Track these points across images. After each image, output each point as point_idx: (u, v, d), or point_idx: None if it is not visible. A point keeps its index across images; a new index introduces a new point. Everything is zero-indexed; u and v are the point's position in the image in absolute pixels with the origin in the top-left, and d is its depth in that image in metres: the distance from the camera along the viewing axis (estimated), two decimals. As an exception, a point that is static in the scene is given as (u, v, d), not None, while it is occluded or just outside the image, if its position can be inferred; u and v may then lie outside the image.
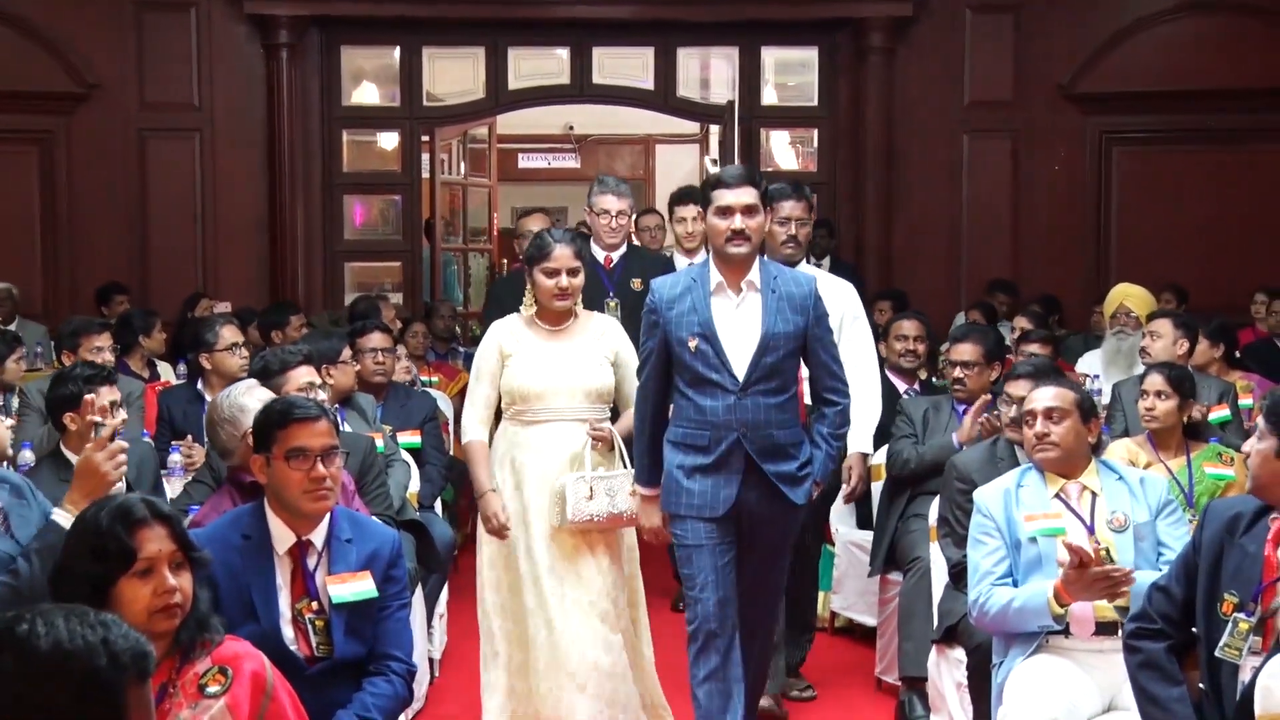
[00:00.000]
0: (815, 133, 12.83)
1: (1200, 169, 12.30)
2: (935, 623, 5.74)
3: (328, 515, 4.21)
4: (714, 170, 8.47)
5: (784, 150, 13.18)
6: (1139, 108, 12.36)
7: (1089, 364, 9.03)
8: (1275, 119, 12.11)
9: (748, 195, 5.35)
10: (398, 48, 12.68)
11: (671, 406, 5.45)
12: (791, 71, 13.25)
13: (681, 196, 8.61)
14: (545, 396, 5.71)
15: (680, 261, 8.01)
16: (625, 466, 5.71)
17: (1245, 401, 7.65)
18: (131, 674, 2.39)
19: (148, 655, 2.46)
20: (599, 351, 5.83)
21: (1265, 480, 3.93)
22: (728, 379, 5.19)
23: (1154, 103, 12.28)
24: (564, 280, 5.66)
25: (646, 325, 5.38)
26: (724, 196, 5.32)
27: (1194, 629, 4.03)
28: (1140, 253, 12.03)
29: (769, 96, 13.04)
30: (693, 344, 5.20)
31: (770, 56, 12.98)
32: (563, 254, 5.66)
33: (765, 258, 5.54)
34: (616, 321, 6.09)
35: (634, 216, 8.75)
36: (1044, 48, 12.26)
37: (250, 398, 4.89)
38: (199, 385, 7.22)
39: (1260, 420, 4.04)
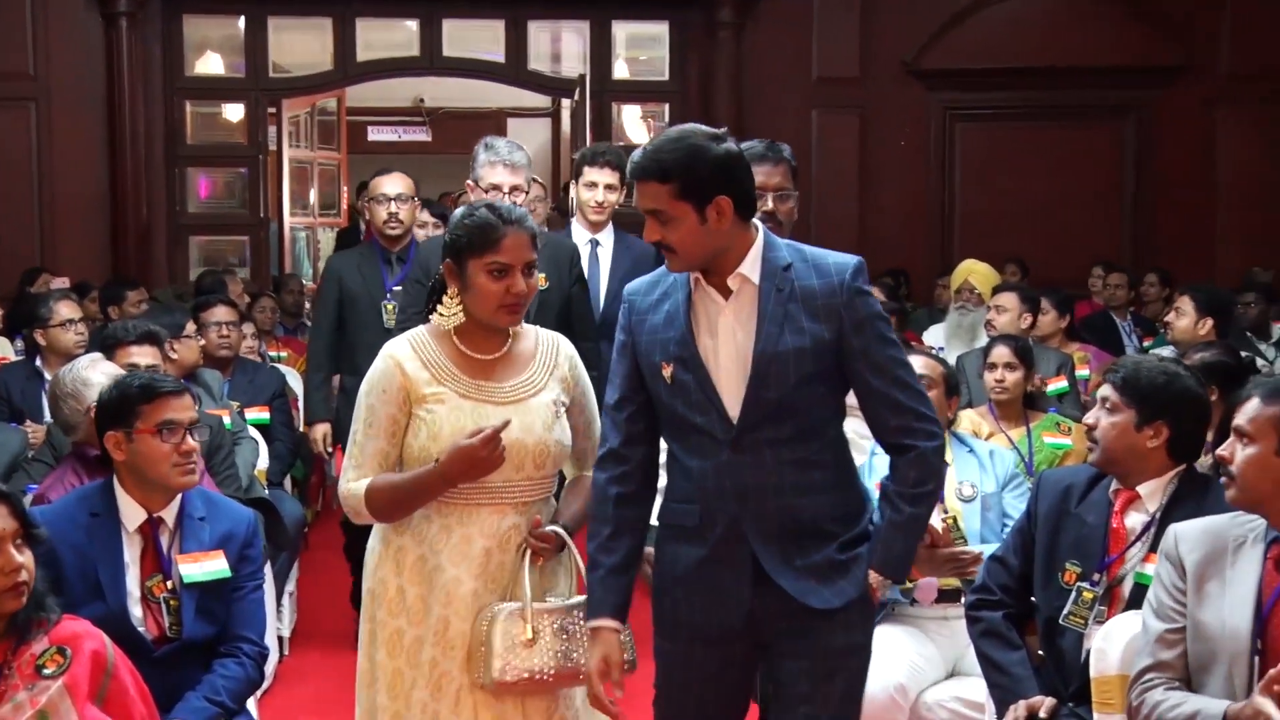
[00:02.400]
0: (666, 107, 12.86)
1: (1041, 145, 12.52)
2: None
3: (179, 493, 4.17)
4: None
5: (635, 124, 13.18)
6: (981, 84, 12.54)
7: (934, 337, 9.16)
8: (1112, 95, 12.39)
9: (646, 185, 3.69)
10: (242, 17, 12.48)
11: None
12: (642, 46, 13.27)
13: (594, 156, 6.56)
14: None
15: (581, 235, 6.56)
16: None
17: (1082, 372, 7.85)
18: None
19: None
20: (551, 390, 3.83)
21: (1118, 454, 4.02)
22: (717, 424, 3.46)
23: (996, 79, 12.48)
24: (519, 283, 3.70)
25: (616, 350, 3.70)
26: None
27: (1032, 598, 4.14)
28: (983, 227, 12.23)
29: (620, 71, 13.04)
30: (667, 372, 3.50)
31: (621, 30, 12.98)
32: (518, 242, 3.72)
33: (773, 237, 3.66)
34: (563, 338, 4.04)
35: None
36: (889, 25, 12.38)
37: (94, 372, 4.88)
38: (37, 362, 7.07)
39: (1111, 393, 4.10)
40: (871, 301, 3.53)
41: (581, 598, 3.72)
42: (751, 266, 3.48)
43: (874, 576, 3.51)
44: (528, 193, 5.80)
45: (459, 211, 3.84)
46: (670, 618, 3.64)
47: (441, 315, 3.80)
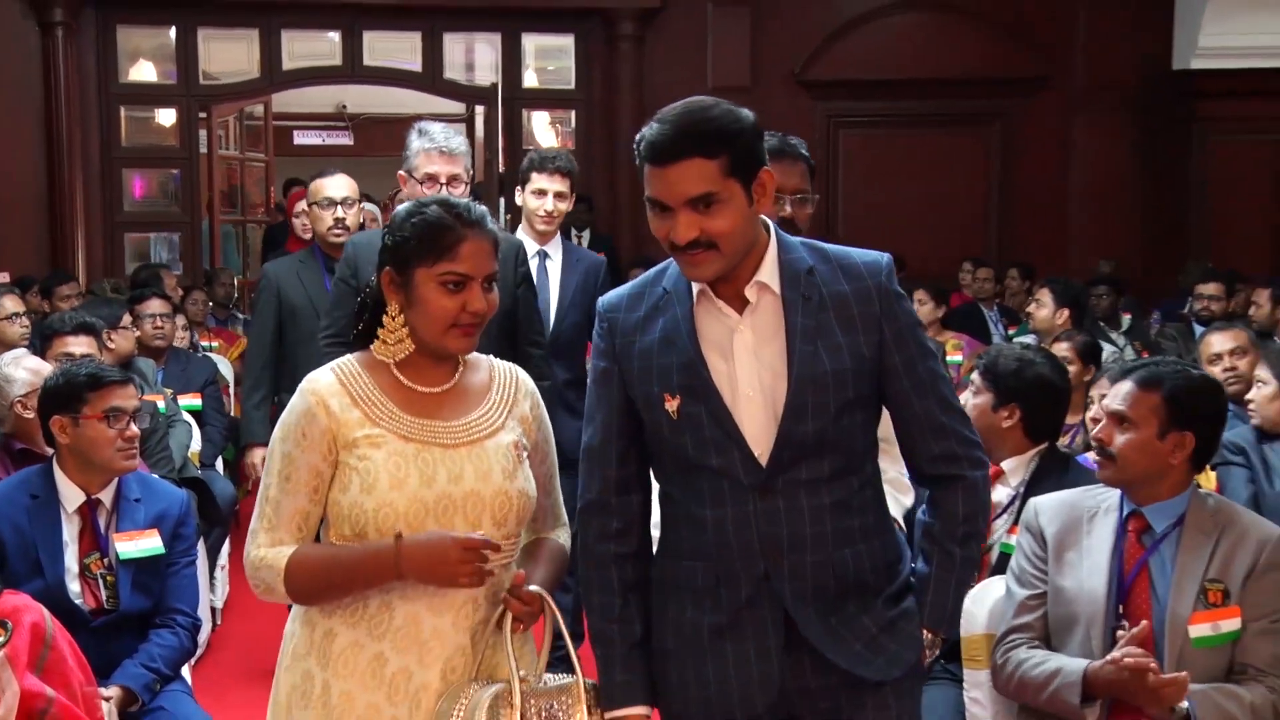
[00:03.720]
0: (573, 114, 12.86)
1: (916, 150, 12.63)
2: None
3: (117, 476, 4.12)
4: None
5: (544, 130, 13.17)
6: (862, 95, 12.60)
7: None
8: (979, 105, 12.52)
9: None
10: (173, 28, 12.34)
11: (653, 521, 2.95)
12: (550, 56, 13.27)
13: (543, 162, 5.38)
14: (425, 528, 2.80)
15: (528, 246, 5.40)
16: (572, 660, 2.89)
17: (954, 358, 7.97)
18: None
19: None
20: (510, 431, 2.95)
21: (980, 433, 4.06)
22: (739, 464, 2.69)
23: (875, 90, 12.55)
24: (478, 299, 2.83)
25: (595, 380, 2.88)
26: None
27: None
28: (864, 226, 12.26)
29: (530, 80, 13.02)
30: (672, 405, 2.71)
31: (530, 42, 12.96)
32: (478, 249, 2.84)
33: (787, 235, 2.89)
34: (521, 370, 3.12)
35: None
36: (777, 39, 12.42)
37: (17, 368, 4.83)
38: (-18, 352, 6.97)
39: (977, 377, 4.20)
40: (908, 306, 2.83)
41: (567, 677, 2.85)
42: (770, 272, 2.70)
43: (926, 635, 2.85)
44: (468, 183, 4.86)
45: (402, 208, 2.87)
46: (677, 699, 2.82)
47: (383, 344, 2.86)
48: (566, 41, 12.84)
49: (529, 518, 2.94)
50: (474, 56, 13.86)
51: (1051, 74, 12.47)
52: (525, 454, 2.91)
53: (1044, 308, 7.52)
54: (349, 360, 2.89)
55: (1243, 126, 12.08)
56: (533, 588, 2.81)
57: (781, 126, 12.96)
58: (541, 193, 5.35)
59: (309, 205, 5.91)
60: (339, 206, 5.67)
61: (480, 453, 2.84)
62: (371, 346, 2.89)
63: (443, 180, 4.68)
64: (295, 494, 2.79)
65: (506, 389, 2.97)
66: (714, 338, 2.70)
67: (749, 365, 2.68)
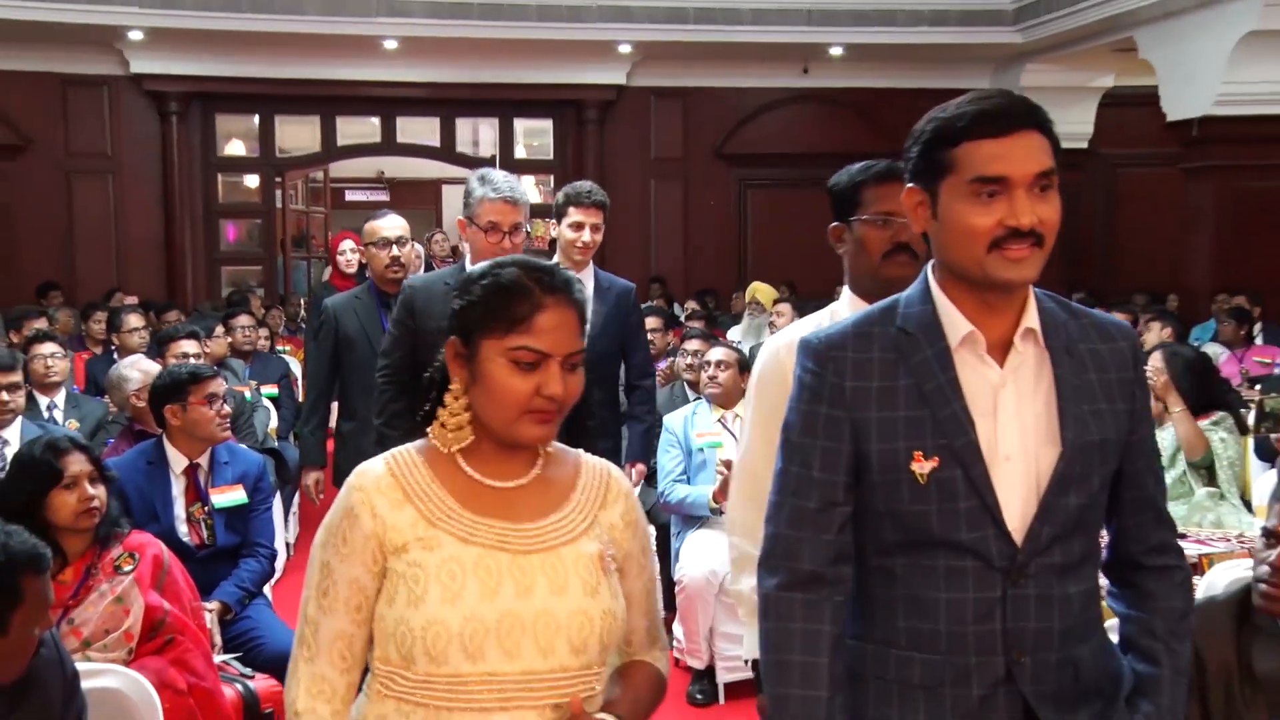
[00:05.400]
0: (552, 177, 12.86)
1: (806, 206, 12.49)
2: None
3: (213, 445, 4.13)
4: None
5: (530, 189, 13.17)
6: (764, 164, 12.60)
7: (734, 334, 9.24)
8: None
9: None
10: (257, 115, 12.33)
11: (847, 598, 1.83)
12: (534, 135, 13.28)
13: (579, 197, 4.03)
14: (485, 655, 1.68)
15: None
16: None
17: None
18: (27, 568, 2.35)
19: (42, 556, 2.41)
20: (595, 538, 1.80)
21: None
22: (991, 542, 1.73)
23: (774, 161, 12.55)
24: (555, 383, 1.71)
25: (807, 429, 1.79)
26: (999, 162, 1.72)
27: None
28: (766, 260, 12.38)
29: (520, 152, 13.03)
30: (923, 467, 1.72)
31: (520, 125, 13.00)
32: (560, 320, 1.73)
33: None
34: (614, 467, 1.91)
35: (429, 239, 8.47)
36: (703, 122, 12.46)
37: (132, 370, 4.89)
38: (114, 355, 6.96)
39: None
40: (1143, 371, 1.87)
41: None
42: (1034, 317, 1.75)
43: None
44: (530, 234, 3.98)
45: (477, 267, 1.79)
46: None
47: (441, 428, 1.78)
48: (546, 124, 12.85)
49: (616, 643, 1.79)
50: (478, 135, 13.95)
51: (899, 149, 12.43)
52: (614, 568, 1.79)
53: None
54: (407, 450, 1.80)
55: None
56: (601, 716, 1.72)
57: (705, 186, 13.12)
58: (579, 225, 4.07)
59: (365, 245, 4.92)
60: (394, 245, 4.69)
61: (556, 562, 1.73)
62: (430, 430, 1.80)
63: (505, 228, 3.62)
64: (334, 613, 1.74)
65: (595, 489, 1.83)
66: (972, 391, 1.72)
67: (1012, 427, 1.72)
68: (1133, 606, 1.88)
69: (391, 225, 4.73)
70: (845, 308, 2.42)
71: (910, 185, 1.74)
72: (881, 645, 1.78)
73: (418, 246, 7.45)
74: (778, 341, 2.48)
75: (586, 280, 4.59)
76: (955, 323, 1.73)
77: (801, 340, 1.83)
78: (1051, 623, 1.73)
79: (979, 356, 1.73)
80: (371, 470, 1.77)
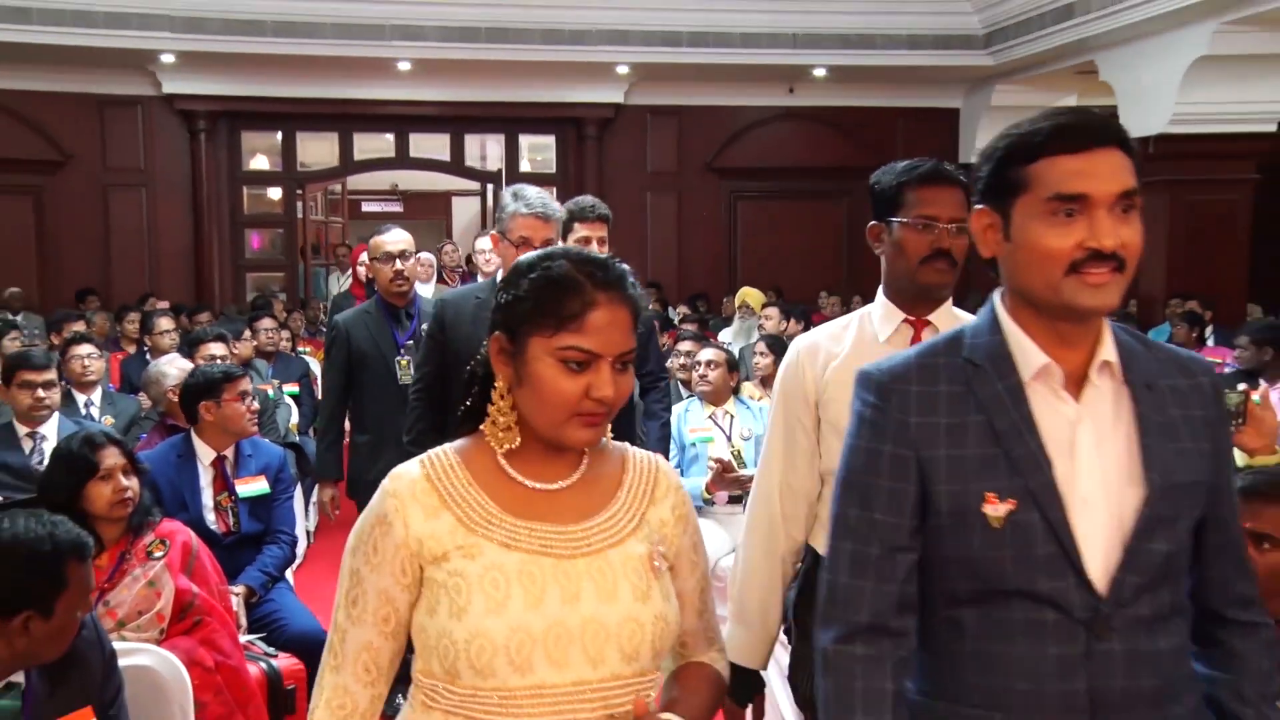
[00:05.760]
0: (554, 189, 12.80)
1: (790, 215, 12.67)
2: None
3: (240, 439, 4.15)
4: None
5: (535, 201, 13.18)
6: (753, 177, 12.58)
7: (725, 336, 9.28)
8: (830, 185, 12.47)
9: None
10: (280, 132, 12.32)
11: (903, 642, 1.53)
12: (538, 150, 13.24)
13: (583, 212, 3.63)
14: (533, 667, 1.46)
15: None
16: None
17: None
18: (71, 556, 2.36)
19: (85, 544, 2.42)
20: (645, 537, 1.57)
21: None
22: (1073, 593, 1.44)
23: (762, 174, 12.53)
24: (606, 384, 1.48)
25: (869, 467, 1.53)
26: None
27: None
28: (755, 267, 12.37)
29: (524, 166, 12.98)
30: (1000, 511, 1.44)
31: (524, 140, 12.95)
32: (613, 318, 1.49)
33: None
34: (662, 459, 1.67)
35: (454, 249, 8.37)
36: (695, 138, 12.43)
37: (170, 367, 4.87)
38: (147, 356, 6.98)
39: None
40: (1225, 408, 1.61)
41: None
42: (1111, 348, 1.51)
43: None
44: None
45: (525, 258, 1.58)
46: None
47: (493, 425, 1.56)
48: (549, 140, 12.81)
49: (669, 647, 1.57)
50: (486, 150, 13.91)
51: (878, 163, 12.40)
52: (665, 567, 1.58)
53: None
54: (444, 451, 1.58)
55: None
56: (665, 716, 1.49)
57: (698, 198, 13.15)
58: (585, 240, 3.60)
59: (370, 260, 4.65)
60: (397, 260, 4.39)
61: (604, 566, 1.52)
62: (482, 427, 1.58)
63: (537, 243, 3.24)
64: (361, 623, 1.54)
65: (643, 485, 1.62)
66: (1047, 428, 1.48)
67: (1091, 465, 1.47)
68: (1218, 667, 1.57)
69: (395, 240, 4.45)
70: (877, 309, 2.31)
71: (980, 206, 1.52)
72: (951, 704, 1.51)
73: (428, 256, 7.44)
74: (798, 345, 2.36)
75: None
76: (1028, 354, 1.49)
77: (860, 372, 1.58)
78: (1140, 681, 1.45)
79: (1053, 391, 1.48)
80: (407, 474, 1.55)
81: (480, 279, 5.55)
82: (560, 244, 3.49)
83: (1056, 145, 1.44)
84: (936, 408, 1.50)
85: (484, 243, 6.12)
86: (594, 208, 3.61)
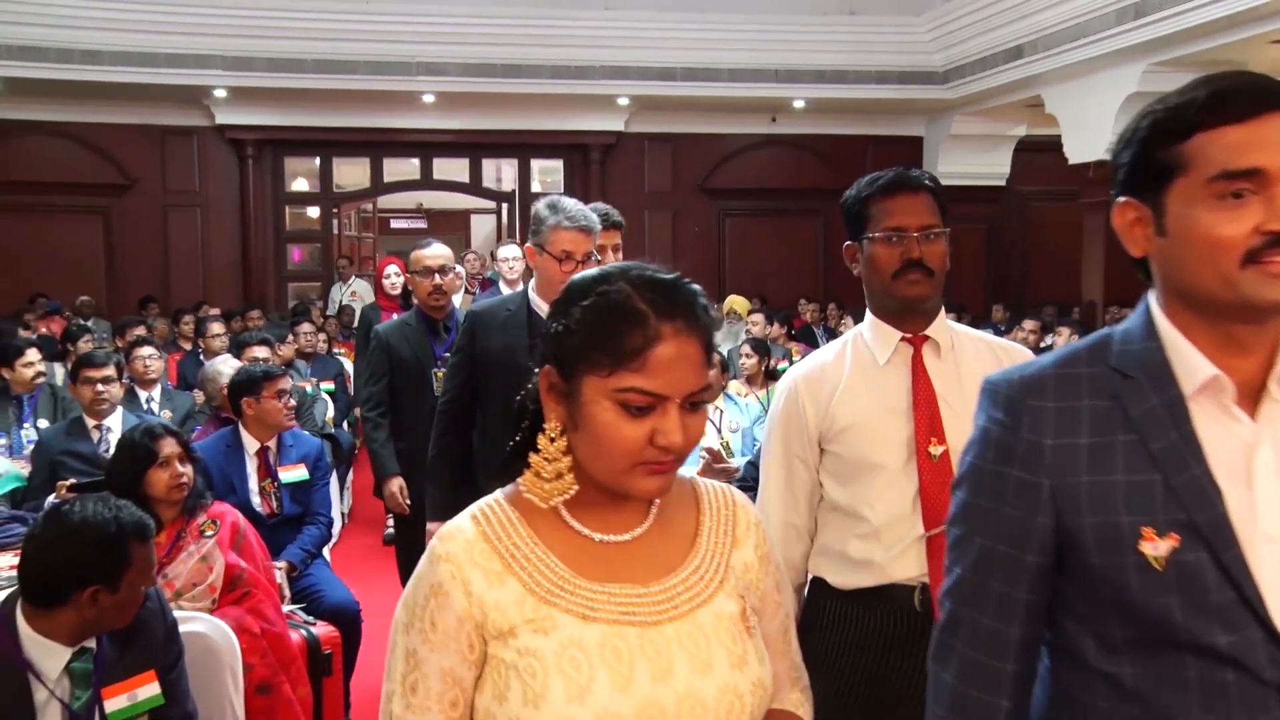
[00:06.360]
0: (562, 209, 12.85)
1: (774, 232, 12.65)
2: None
3: (280, 431, 4.17)
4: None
5: (545, 218, 13.17)
6: (741, 197, 12.54)
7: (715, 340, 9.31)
8: (810, 204, 12.46)
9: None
10: (318, 157, 12.32)
11: (1044, 698, 1.14)
12: (548, 173, 13.21)
13: (599, 220, 3.12)
14: None
15: None
16: None
17: (798, 358, 8.00)
18: (134, 537, 2.37)
19: (147, 526, 2.43)
20: (731, 595, 1.19)
21: None
22: (1259, 648, 1.01)
23: (749, 194, 12.49)
24: (674, 431, 1.10)
25: (985, 492, 1.14)
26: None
27: None
28: (741, 277, 12.35)
29: (535, 186, 12.95)
30: (1162, 550, 1.02)
31: (535, 164, 12.91)
32: (682, 354, 1.11)
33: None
34: (736, 491, 1.27)
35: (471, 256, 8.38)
36: (689, 162, 12.40)
37: (225, 366, 4.88)
38: (200, 356, 7.03)
39: None
40: None
41: None
42: None
43: None
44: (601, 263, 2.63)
45: (579, 278, 1.19)
46: None
47: (536, 477, 1.19)
48: (557, 164, 12.79)
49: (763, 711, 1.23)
50: (501, 172, 13.90)
51: (850, 184, 12.40)
52: (757, 623, 1.24)
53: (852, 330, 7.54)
54: (497, 502, 1.22)
55: (959, 223, 12.23)
56: None
57: (690, 216, 13.13)
58: (600, 249, 3.02)
59: (410, 273, 4.30)
60: (436, 274, 4.09)
61: (694, 631, 1.18)
62: (519, 481, 1.22)
63: (579, 257, 2.85)
64: (425, 712, 1.17)
65: (722, 525, 1.27)
66: (1216, 451, 1.11)
67: (1273, 495, 1.10)
68: None
69: (435, 255, 4.14)
70: (868, 330, 1.98)
71: (1122, 200, 1.16)
72: None
73: (462, 269, 7.39)
74: (794, 377, 1.99)
75: None
76: (1191, 364, 1.12)
77: (988, 382, 1.21)
78: None
79: (1223, 407, 1.12)
80: (459, 533, 1.18)
81: (503, 286, 5.42)
82: (614, 259, 3.08)
83: (1217, 115, 1.09)
84: (1078, 427, 1.13)
85: (508, 250, 5.75)
86: (607, 215, 3.24)
